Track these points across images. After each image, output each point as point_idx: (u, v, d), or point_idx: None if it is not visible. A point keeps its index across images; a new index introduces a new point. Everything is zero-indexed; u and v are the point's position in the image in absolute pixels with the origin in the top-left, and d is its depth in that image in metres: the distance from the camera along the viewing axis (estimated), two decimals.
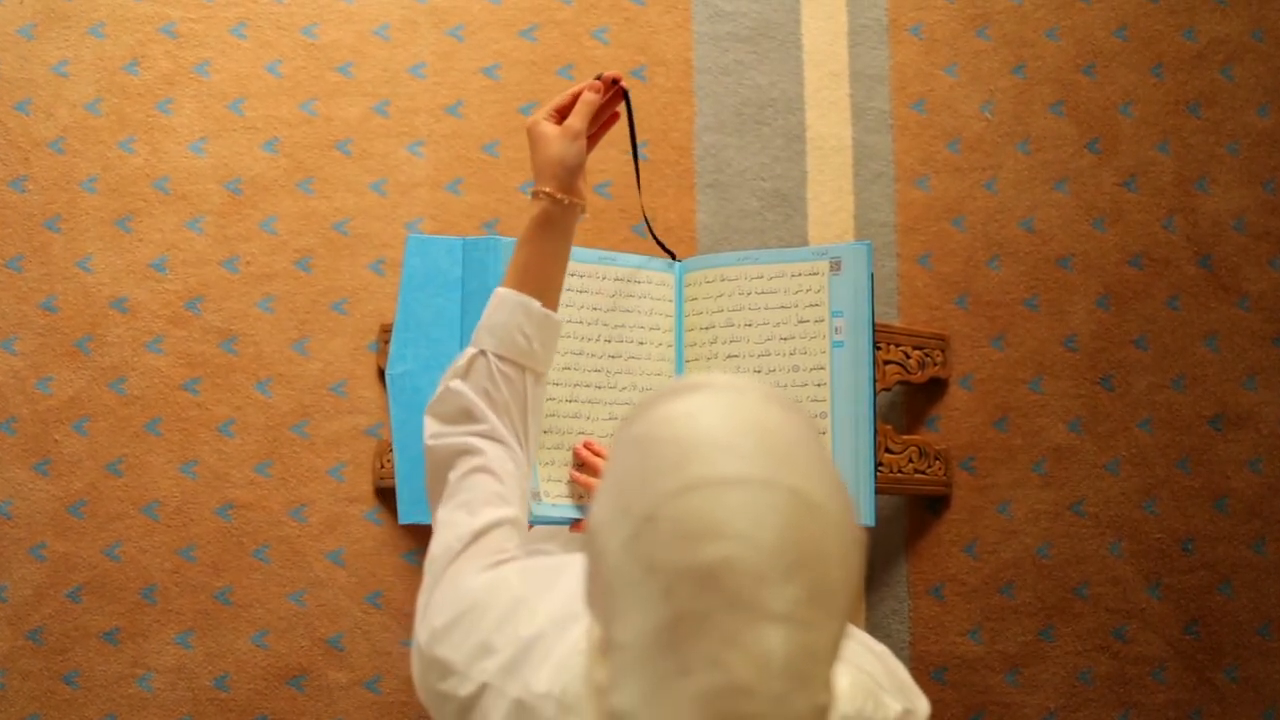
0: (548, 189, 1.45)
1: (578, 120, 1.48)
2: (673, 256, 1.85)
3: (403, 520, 1.75)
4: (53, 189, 2.10)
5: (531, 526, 1.68)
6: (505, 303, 1.44)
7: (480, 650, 1.17)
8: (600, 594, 0.95)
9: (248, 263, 2.10)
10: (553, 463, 1.73)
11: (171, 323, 2.08)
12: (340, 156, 2.12)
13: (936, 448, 2.03)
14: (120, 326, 2.08)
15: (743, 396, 0.96)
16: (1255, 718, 2.03)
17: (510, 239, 1.76)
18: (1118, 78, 2.14)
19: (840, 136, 2.14)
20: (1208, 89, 2.13)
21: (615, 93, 1.54)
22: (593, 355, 1.78)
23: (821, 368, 1.76)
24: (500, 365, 1.41)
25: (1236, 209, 2.10)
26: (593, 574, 0.98)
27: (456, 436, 1.40)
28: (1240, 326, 2.09)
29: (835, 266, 1.77)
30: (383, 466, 2.02)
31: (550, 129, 1.48)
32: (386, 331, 2.01)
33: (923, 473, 2.01)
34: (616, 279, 1.81)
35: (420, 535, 2.05)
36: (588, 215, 1.51)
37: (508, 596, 1.21)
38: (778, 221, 2.12)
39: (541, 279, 1.46)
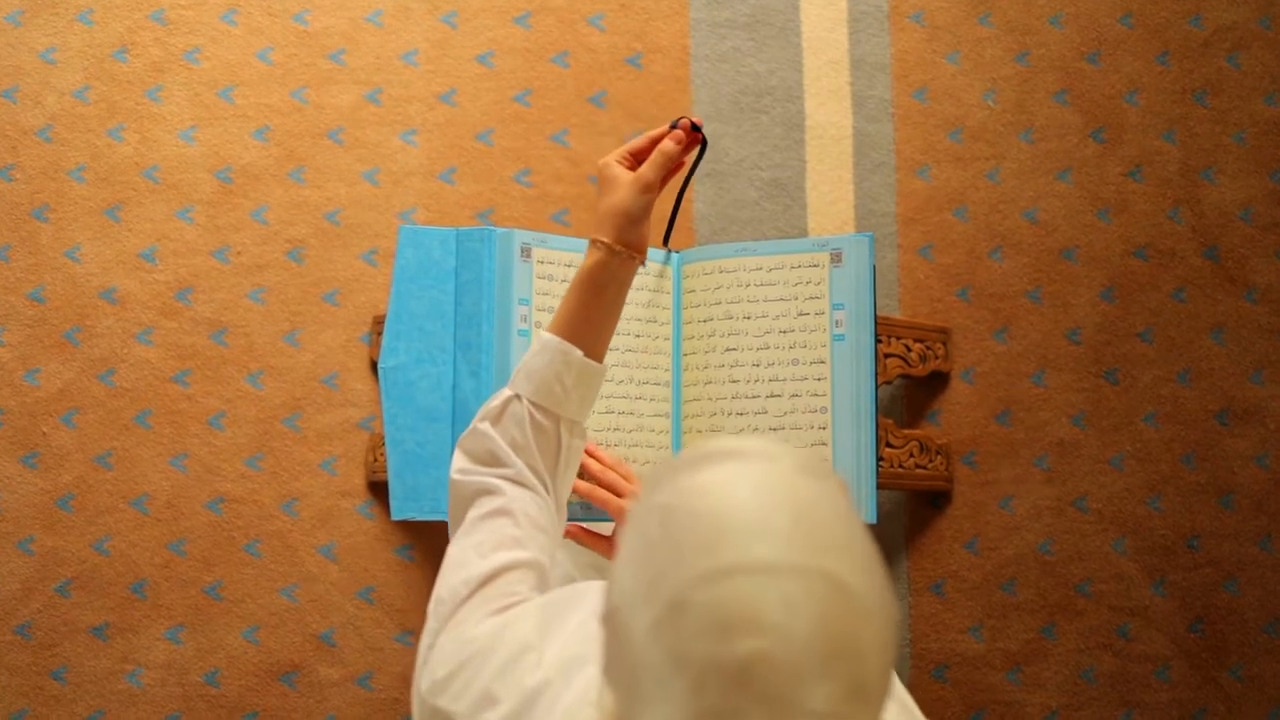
0: (606, 239, 1.38)
1: (651, 172, 1.39)
2: (667, 249, 1.82)
3: (395, 516, 1.73)
4: (40, 178, 2.07)
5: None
6: (547, 348, 1.38)
7: (483, 701, 1.14)
8: (622, 675, 0.91)
9: (238, 253, 2.07)
10: None
11: (161, 314, 2.06)
12: (332, 145, 2.09)
13: (938, 442, 2.01)
14: (109, 317, 2.05)
15: (775, 467, 0.92)
16: (1261, 717, 2.01)
17: (505, 229, 1.74)
18: (1123, 66, 2.11)
19: (840, 125, 2.11)
20: (1214, 77, 2.10)
21: (692, 139, 1.44)
22: None
23: (822, 361, 1.73)
24: (534, 412, 1.37)
25: (1244, 199, 2.07)
26: (614, 653, 0.93)
27: (481, 476, 1.36)
28: (1247, 319, 2.06)
29: (836, 258, 1.74)
30: (375, 460, 2.00)
31: (622, 175, 1.40)
32: (379, 323, 1.99)
33: (924, 467, 1.98)
34: None
35: (413, 531, 2.03)
36: (645, 266, 1.45)
37: (513, 643, 1.17)
38: (776, 212, 2.10)
39: (589, 328, 1.40)
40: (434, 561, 2.02)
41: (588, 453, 1.63)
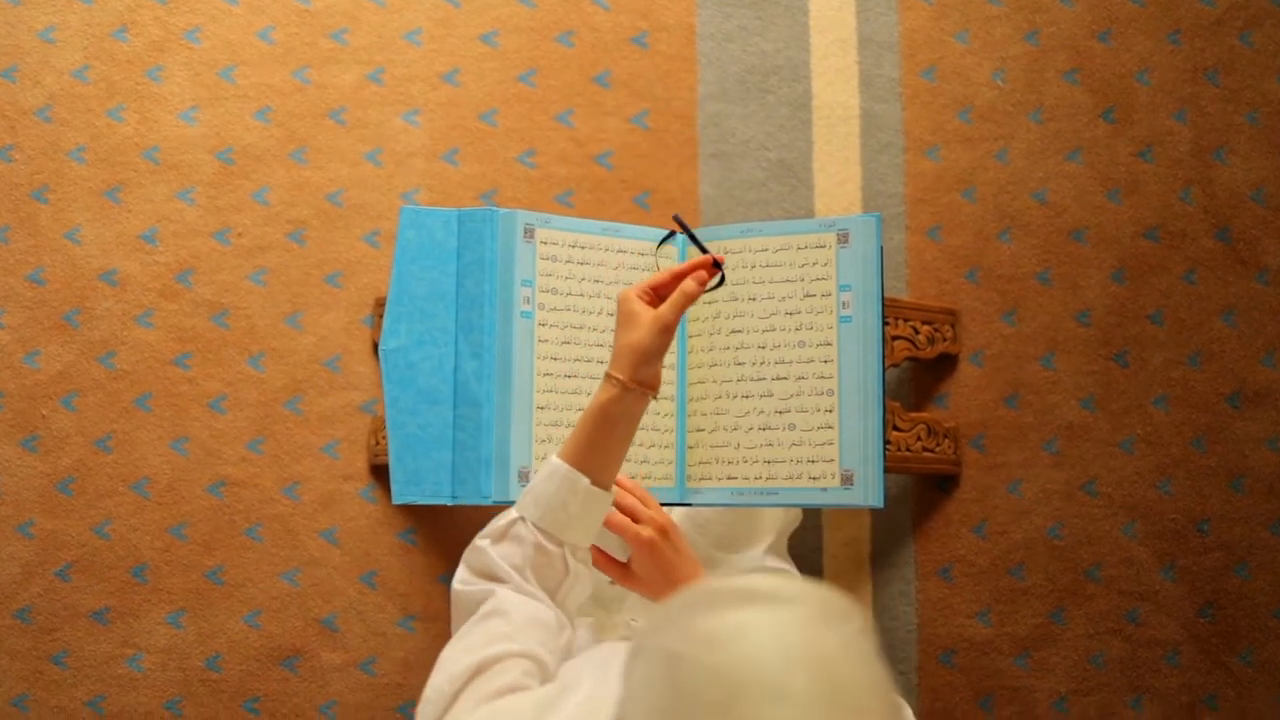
0: (621, 376, 1.39)
1: (671, 313, 1.40)
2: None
3: (396, 500, 1.71)
4: (40, 158, 2.06)
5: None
6: (555, 475, 1.40)
7: None
8: None
9: (239, 234, 2.05)
10: (549, 440, 1.69)
11: (162, 296, 2.04)
12: (334, 126, 2.07)
13: (945, 425, 1.99)
14: (109, 299, 2.04)
15: (792, 614, 0.87)
16: (1271, 702, 1.99)
17: (507, 210, 1.72)
18: (1134, 44, 2.08)
19: (847, 105, 2.09)
20: (1226, 56, 2.08)
21: (711, 273, 1.46)
22: (594, 329, 1.74)
23: (829, 344, 1.70)
24: (539, 536, 1.38)
25: (1256, 180, 2.05)
26: None
27: (481, 585, 1.38)
28: (1259, 301, 2.04)
29: (843, 239, 1.71)
30: (377, 443, 1.99)
31: (642, 311, 1.41)
32: (382, 305, 1.97)
33: (931, 451, 1.97)
34: (620, 251, 1.76)
35: (416, 515, 2.02)
36: (656, 397, 1.45)
37: None
38: (783, 193, 2.08)
39: (598, 457, 1.41)
40: (436, 546, 2.00)
41: (619, 485, 1.60)
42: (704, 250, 1.52)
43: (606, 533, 1.52)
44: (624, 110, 2.09)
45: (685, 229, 1.58)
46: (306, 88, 2.08)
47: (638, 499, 1.55)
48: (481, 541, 1.40)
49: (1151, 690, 2.00)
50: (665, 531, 1.52)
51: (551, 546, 1.38)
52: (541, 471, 1.41)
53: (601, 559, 1.55)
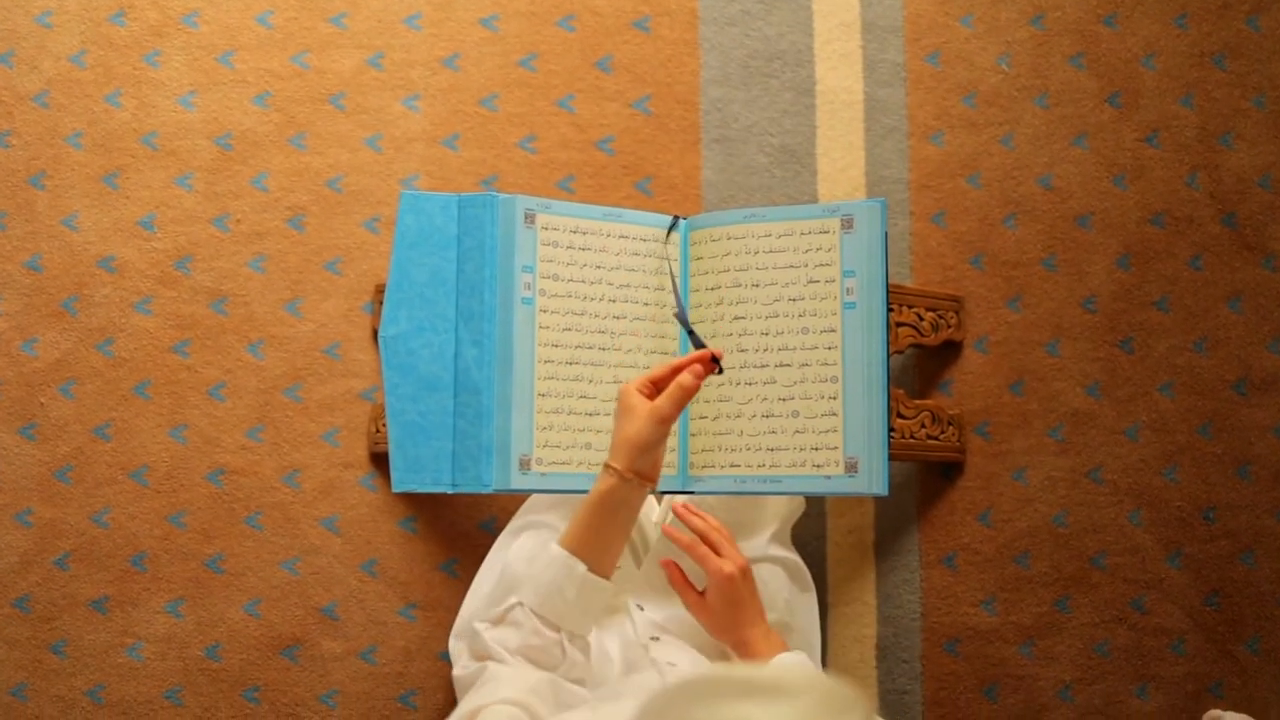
0: (619, 466, 1.43)
1: (669, 406, 1.43)
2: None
3: (396, 489, 1.70)
4: (37, 144, 2.04)
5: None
6: (554, 562, 1.43)
7: None
8: None
9: (238, 221, 2.04)
10: (550, 428, 1.68)
11: (160, 282, 2.02)
12: (333, 111, 2.06)
13: (950, 413, 1.98)
14: (107, 286, 2.02)
15: (794, 708, 0.85)
16: (1277, 690, 1.98)
17: (508, 195, 1.70)
18: (1139, 28, 2.07)
19: (851, 90, 2.07)
20: (1233, 40, 2.06)
21: (709, 368, 1.50)
22: (596, 316, 1.72)
23: (832, 330, 1.69)
24: (536, 621, 1.41)
25: (1262, 165, 2.04)
26: None
27: (477, 668, 1.42)
28: (1265, 287, 2.02)
29: (847, 224, 1.70)
30: (378, 431, 1.97)
31: (640, 405, 1.44)
32: (382, 292, 1.95)
33: (935, 439, 1.95)
34: (621, 236, 1.75)
35: (416, 503, 2.01)
36: (654, 488, 1.49)
37: None
38: (786, 178, 2.06)
39: (598, 545, 1.45)
40: (437, 534, 1.99)
41: (689, 510, 1.62)
42: (701, 345, 1.60)
43: (687, 559, 1.56)
44: (625, 95, 2.07)
45: (686, 324, 1.64)
46: (306, 72, 2.06)
47: (722, 538, 1.57)
48: (479, 625, 1.44)
49: (1157, 679, 1.98)
50: (745, 572, 1.55)
51: (549, 631, 1.42)
52: (541, 558, 1.44)
53: (679, 578, 1.57)
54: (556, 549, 1.43)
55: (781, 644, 1.55)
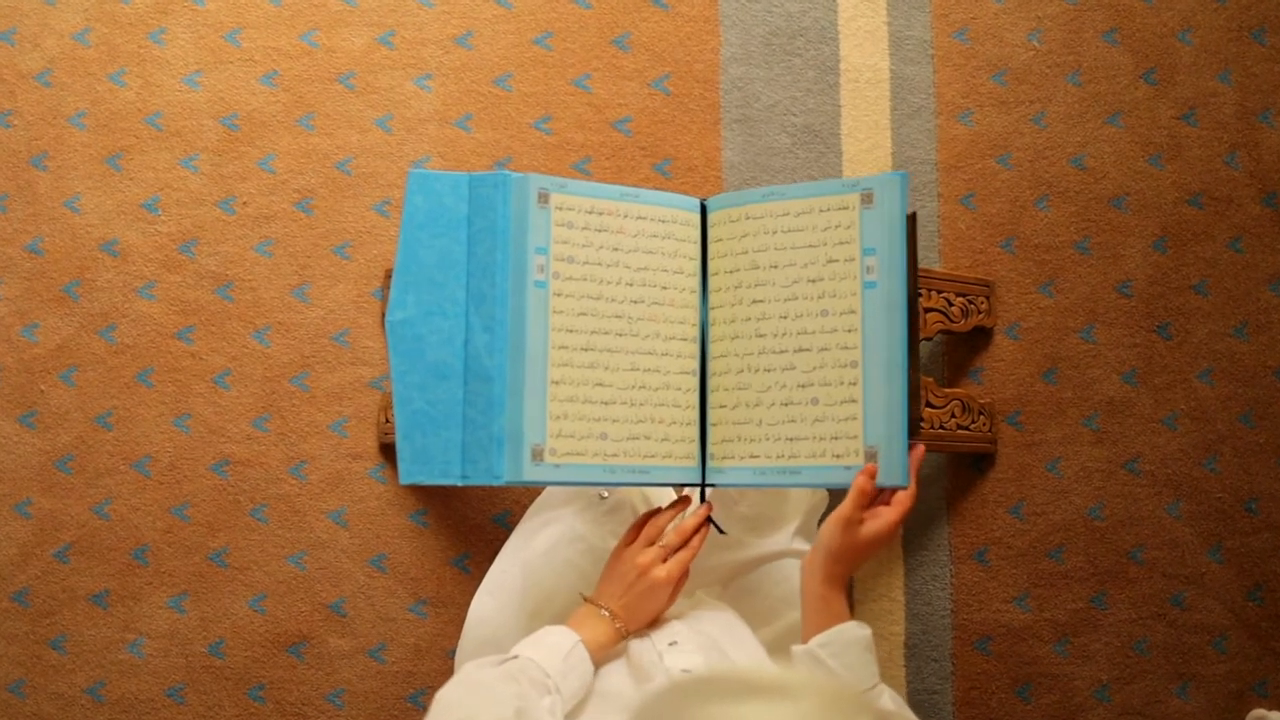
0: (631, 629, 1.48)
1: (678, 570, 1.50)
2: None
3: (404, 481, 1.64)
4: (39, 124, 2.02)
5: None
6: (553, 631, 1.45)
7: None
8: None
9: (245, 203, 2.00)
10: (564, 417, 1.62)
11: (164, 267, 1.99)
12: (343, 90, 2.02)
13: (981, 401, 1.94)
14: (110, 270, 2.00)
15: (795, 709, 0.83)
16: None
17: (520, 174, 1.65)
18: (1175, 2, 2.04)
19: (877, 68, 2.03)
20: (1273, 13, 2.03)
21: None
22: (612, 300, 1.66)
23: (852, 311, 1.62)
24: (534, 672, 1.39)
25: None
26: None
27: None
28: None
29: (867, 199, 1.63)
30: (387, 421, 1.93)
31: (662, 580, 1.48)
32: (391, 277, 1.90)
33: (966, 428, 1.92)
34: (639, 218, 1.69)
35: (426, 495, 1.98)
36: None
37: None
38: (809, 159, 2.01)
39: (595, 655, 1.46)
40: (448, 528, 1.95)
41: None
42: (720, 530, 1.63)
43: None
44: (644, 74, 2.03)
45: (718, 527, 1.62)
46: (314, 51, 2.03)
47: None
48: (469, 664, 1.41)
49: (1198, 678, 1.95)
50: (895, 525, 1.50)
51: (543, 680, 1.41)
52: (542, 630, 1.45)
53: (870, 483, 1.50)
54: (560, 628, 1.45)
55: (849, 614, 1.50)
